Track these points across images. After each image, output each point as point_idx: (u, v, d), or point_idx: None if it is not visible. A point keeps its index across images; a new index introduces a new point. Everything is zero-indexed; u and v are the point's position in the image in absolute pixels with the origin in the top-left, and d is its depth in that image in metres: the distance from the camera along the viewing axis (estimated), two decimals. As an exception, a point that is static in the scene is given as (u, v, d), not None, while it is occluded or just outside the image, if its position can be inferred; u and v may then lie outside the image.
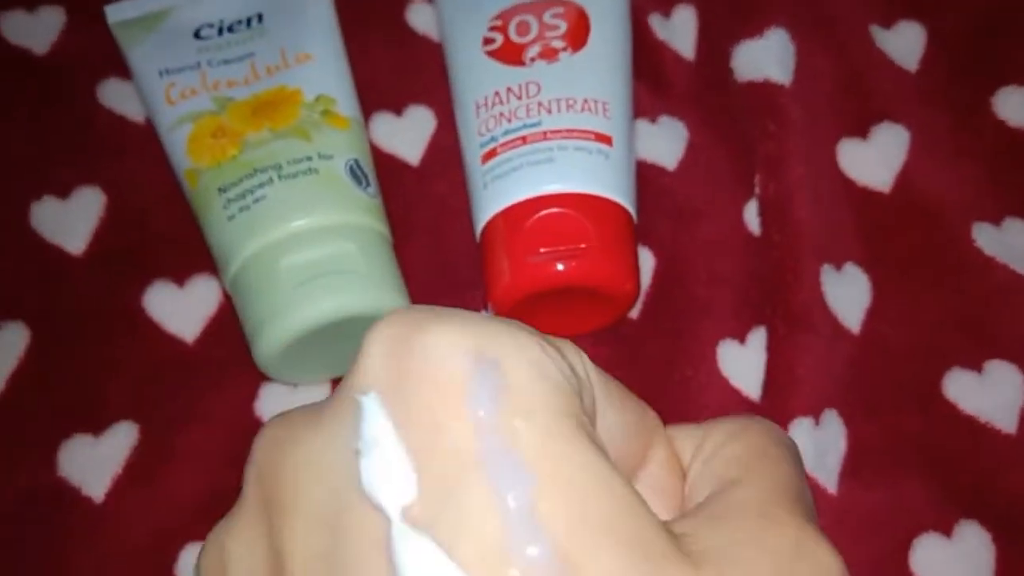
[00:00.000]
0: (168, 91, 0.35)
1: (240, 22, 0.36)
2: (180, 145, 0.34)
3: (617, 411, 0.18)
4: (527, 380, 0.15)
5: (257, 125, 0.34)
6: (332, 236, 0.32)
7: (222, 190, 0.33)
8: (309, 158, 0.33)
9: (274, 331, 0.31)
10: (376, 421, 0.15)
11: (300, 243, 0.32)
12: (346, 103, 0.35)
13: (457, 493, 0.15)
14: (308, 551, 0.15)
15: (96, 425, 0.34)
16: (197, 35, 0.36)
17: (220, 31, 0.36)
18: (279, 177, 0.33)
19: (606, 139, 0.33)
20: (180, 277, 0.35)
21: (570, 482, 0.15)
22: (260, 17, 0.36)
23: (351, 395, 0.16)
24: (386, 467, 0.15)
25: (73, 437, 0.34)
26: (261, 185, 0.33)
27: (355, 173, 0.34)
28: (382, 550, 0.15)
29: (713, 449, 0.19)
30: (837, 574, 0.16)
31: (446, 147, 0.36)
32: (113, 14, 0.37)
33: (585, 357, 0.17)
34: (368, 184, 0.34)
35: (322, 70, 0.36)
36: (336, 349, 0.32)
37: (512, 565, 0.14)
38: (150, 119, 0.36)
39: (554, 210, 0.32)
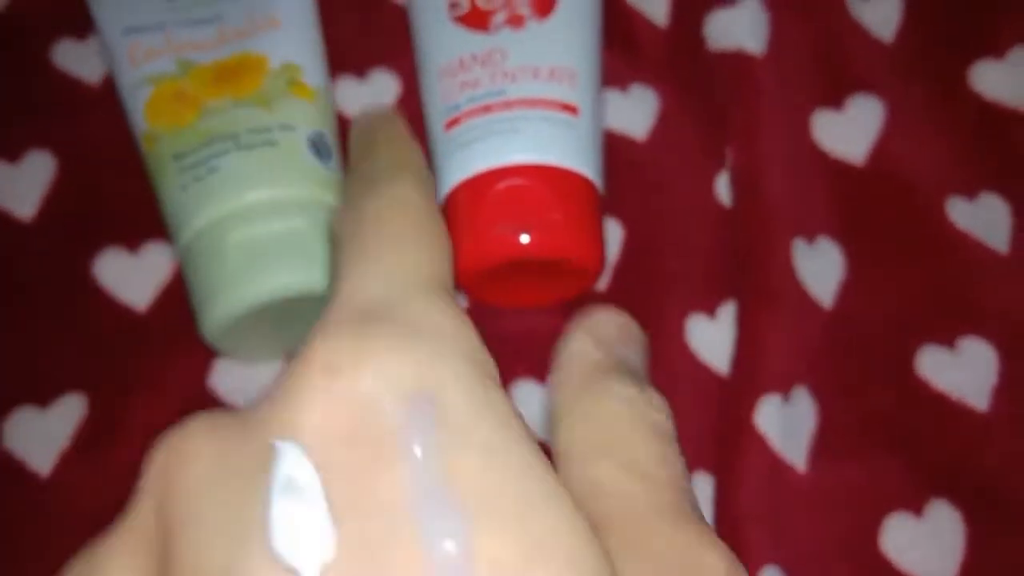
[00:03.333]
0: (132, 51, 0.34)
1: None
2: (139, 107, 0.33)
3: None
4: (464, 408, 0.14)
5: (218, 92, 0.33)
6: (286, 211, 0.31)
7: (177, 157, 0.32)
8: (269, 129, 0.32)
9: (218, 307, 0.30)
10: (294, 467, 0.13)
11: (252, 217, 0.31)
12: (313, 72, 0.34)
13: (382, 547, 0.13)
14: None
15: (43, 397, 0.33)
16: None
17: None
18: (236, 147, 0.32)
19: (572, 109, 0.32)
20: (133, 243, 0.34)
21: (510, 509, 0.13)
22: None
23: (270, 428, 0.14)
24: (301, 521, 0.13)
25: (18, 409, 0.32)
26: (217, 155, 0.32)
27: (317, 146, 0.33)
28: None
29: None
30: None
31: (410, 114, 0.35)
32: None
33: None
34: (330, 157, 0.33)
35: (289, 37, 0.34)
36: (287, 327, 0.31)
37: None
38: (112, 79, 0.35)
39: (517, 181, 0.31)
